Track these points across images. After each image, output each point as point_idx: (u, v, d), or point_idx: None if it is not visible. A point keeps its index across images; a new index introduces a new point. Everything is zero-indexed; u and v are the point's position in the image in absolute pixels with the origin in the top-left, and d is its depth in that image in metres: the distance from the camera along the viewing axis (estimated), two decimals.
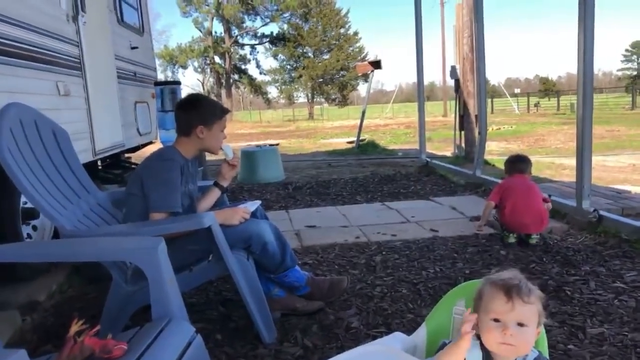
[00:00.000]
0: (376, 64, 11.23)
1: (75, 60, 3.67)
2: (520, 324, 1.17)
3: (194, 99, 2.40)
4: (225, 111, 2.35)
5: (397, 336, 1.42)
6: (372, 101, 51.31)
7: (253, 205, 2.36)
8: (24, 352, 0.78)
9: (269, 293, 2.40)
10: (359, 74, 32.98)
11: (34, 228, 2.99)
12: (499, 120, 19.36)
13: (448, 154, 8.92)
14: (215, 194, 2.50)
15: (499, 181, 4.45)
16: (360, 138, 10.89)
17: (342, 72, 41.91)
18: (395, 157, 9.17)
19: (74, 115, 3.59)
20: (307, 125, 26.17)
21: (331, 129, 20.86)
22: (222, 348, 2.08)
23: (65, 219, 1.96)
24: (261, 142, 14.36)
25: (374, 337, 2.10)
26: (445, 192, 5.34)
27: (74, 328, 1.30)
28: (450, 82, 8.81)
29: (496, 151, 9.49)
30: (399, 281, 2.81)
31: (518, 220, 3.33)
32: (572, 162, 4.48)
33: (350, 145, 11.48)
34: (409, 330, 1.63)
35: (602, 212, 3.56)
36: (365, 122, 10.91)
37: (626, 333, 2.10)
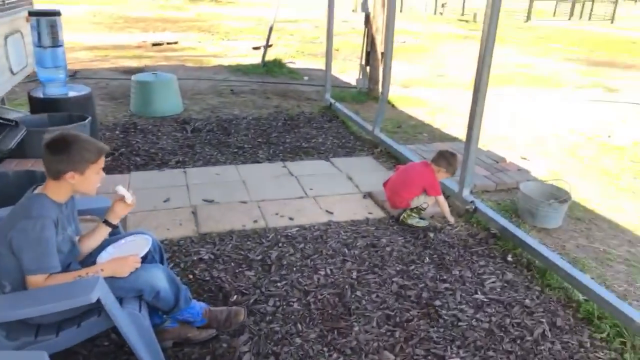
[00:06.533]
0: None
1: None
2: None
3: (62, 141, 2.02)
4: (101, 152, 2.09)
5: None
6: None
7: (143, 248, 2.30)
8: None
9: (161, 324, 2.47)
10: None
11: None
12: (404, 28, 18.56)
13: (353, 81, 8.86)
14: (104, 231, 2.35)
15: (395, 146, 4.92)
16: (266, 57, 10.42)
17: None
18: (301, 83, 9.02)
19: None
20: (212, 14, 24.23)
21: (237, 20, 19.53)
22: None
23: None
24: (158, 40, 13.18)
25: None
26: (345, 149, 5.48)
27: None
28: None
29: (398, 81, 9.35)
30: (292, 288, 2.99)
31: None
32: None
33: (255, 55, 11.11)
34: None
35: (477, 204, 3.91)
36: (274, 18, 10.23)
37: None
